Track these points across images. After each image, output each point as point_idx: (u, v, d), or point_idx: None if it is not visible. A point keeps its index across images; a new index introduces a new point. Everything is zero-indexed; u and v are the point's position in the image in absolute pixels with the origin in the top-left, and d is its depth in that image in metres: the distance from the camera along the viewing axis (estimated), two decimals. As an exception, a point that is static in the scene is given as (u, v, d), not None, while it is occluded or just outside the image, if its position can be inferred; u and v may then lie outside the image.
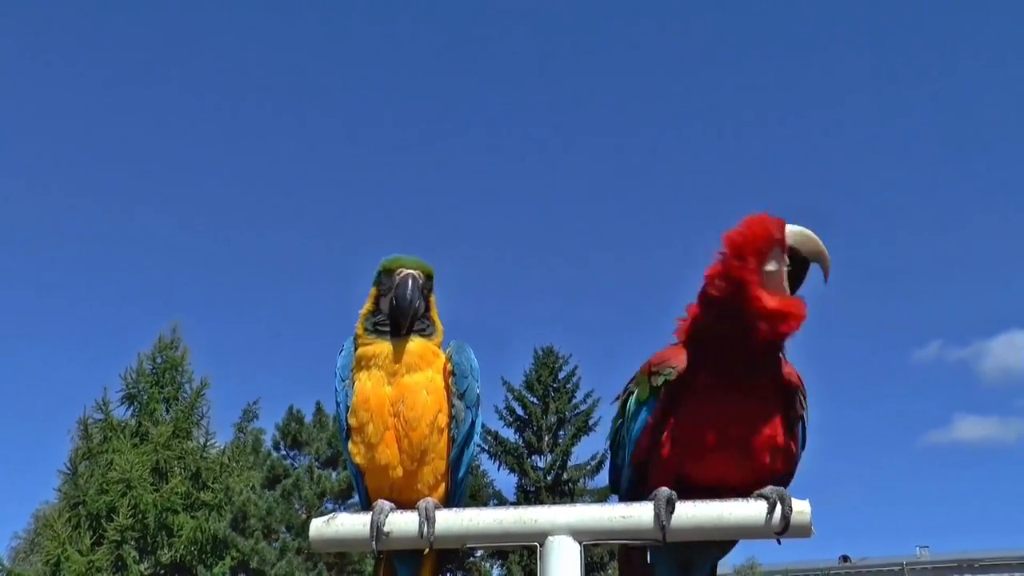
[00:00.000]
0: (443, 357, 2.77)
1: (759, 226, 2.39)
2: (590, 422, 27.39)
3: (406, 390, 2.67)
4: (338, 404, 2.78)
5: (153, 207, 43.94)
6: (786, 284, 2.41)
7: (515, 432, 27.85)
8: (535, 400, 27.84)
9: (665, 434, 2.54)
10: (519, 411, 27.89)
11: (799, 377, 2.55)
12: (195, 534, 20.13)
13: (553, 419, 27.57)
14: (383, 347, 2.69)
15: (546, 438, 27.42)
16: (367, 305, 2.78)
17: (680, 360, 2.50)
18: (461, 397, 2.72)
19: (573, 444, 27.22)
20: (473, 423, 2.78)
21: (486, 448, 27.75)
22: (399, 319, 2.68)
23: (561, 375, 28.22)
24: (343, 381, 2.77)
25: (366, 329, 2.73)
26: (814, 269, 2.46)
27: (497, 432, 27.78)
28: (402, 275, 2.70)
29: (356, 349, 2.75)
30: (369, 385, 2.68)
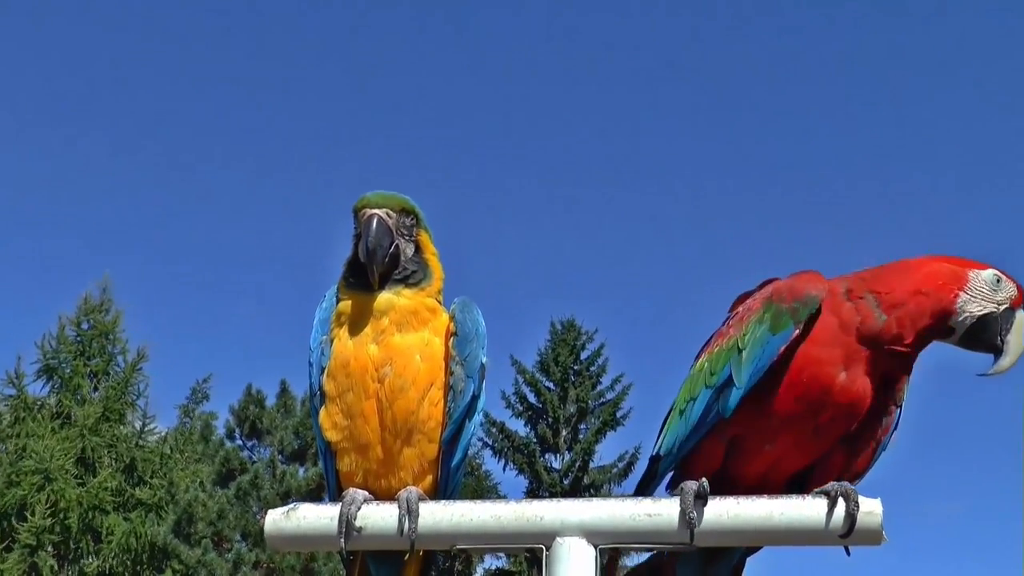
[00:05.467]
0: (444, 316, 2.84)
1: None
2: (618, 414, 27.57)
3: (395, 352, 2.74)
4: (311, 365, 2.85)
5: (77, 128, 43.84)
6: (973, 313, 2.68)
7: (526, 424, 28.07)
8: (551, 385, 27.99)
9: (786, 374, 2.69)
10: (531, 398, 28.07)
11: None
12: (128, 539, 20.47)
13: (572, 409, 27.74)
14: (367, 301, 2.77)
15: (564, 432, 27.61)
16: (351, 253, 2.86)
17: (819, 288, 2.69)
18: (462, 364, 2.78)
19: (597, 441, 27.42)
20: (475, 397, 2.83)
21: (490, 443, 27.99)
22: (366, 269, 2.76)
23: (584, 355, 28.35)
24: (322, 337, 2.85)
25: (345, 281, 2.83)
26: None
27: (504, 424, 27.99)
28: (366, 216, 2.78)
29: (338, 302, 2.83)
30: (351, 344, 2.76)
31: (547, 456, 27.81)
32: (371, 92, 44.84)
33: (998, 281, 2.67)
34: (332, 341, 2.81)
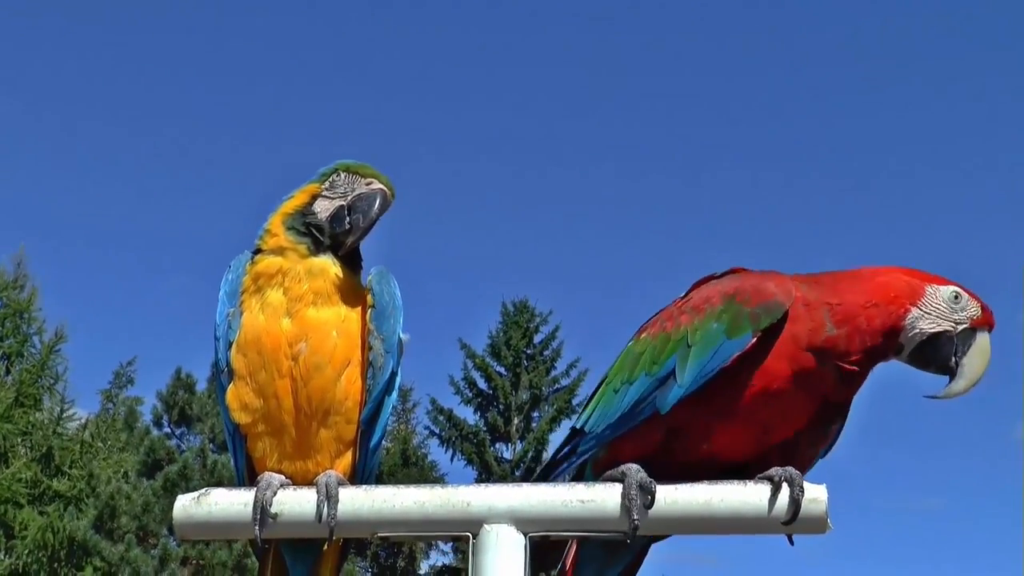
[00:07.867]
0: (361, 290, 2.88)
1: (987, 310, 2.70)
2: (574, 401, 27.72)
3: (310, 327, 2.76)
4: (217, 339, 2.85)
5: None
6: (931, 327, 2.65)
7: (475, 412, 28.18)
8: (503, 370, 28.08)
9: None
10: (481, 384, 28.14)
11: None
12: (44, 535, 20.20)
13: (525, 396, 27.85)
14: (294, 263, 2.80)
15: (516, 420, 27.73)
16: (295, 200, 2.90)
17: (787, 295, 2.62)
18: (381, 339, 2.82)
19: (551, 429, 27.55)
20: (394, 374, 2.86)
21: (438, 432, 28.06)
22: (351, 232, 2.83)
23: (538, 339, 28.46)
24: (230, 309, 2.85)
25: (288, 227, 2.84)
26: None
27: (452, 411, 28.06)
28: (374, 186, 2.88)
29: (255, 265, 2.84)
30: (262, 317, 2.77)
31: (498, 446, 27.94)
32: (305, 59, 44.50)
33: (957, 298, 2.63)
34: (242, 313, 2.82)
